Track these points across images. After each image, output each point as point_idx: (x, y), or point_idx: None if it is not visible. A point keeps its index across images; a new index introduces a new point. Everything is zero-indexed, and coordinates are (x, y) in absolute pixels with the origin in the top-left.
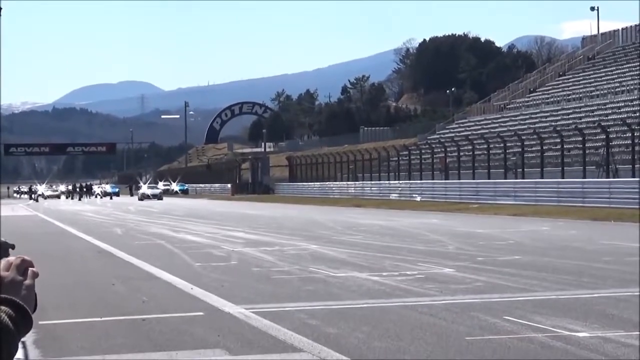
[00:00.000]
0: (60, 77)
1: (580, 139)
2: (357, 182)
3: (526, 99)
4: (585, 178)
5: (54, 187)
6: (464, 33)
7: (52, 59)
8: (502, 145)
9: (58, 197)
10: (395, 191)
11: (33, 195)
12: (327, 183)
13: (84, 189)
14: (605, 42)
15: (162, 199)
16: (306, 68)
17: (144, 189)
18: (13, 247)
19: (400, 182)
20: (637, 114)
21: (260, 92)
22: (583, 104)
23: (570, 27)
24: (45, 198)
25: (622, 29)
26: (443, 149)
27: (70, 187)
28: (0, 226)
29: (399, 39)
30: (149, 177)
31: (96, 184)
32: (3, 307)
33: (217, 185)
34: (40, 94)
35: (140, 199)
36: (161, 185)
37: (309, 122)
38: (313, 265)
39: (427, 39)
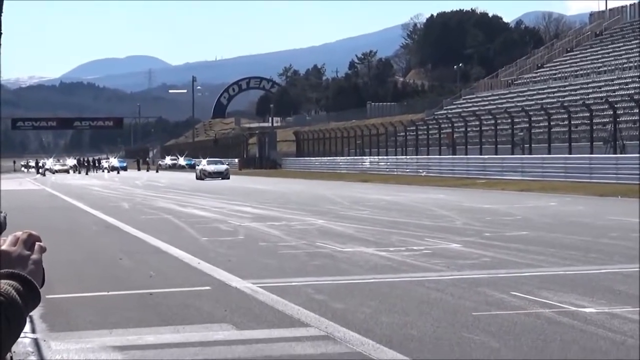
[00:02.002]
0: (68, 51)
1: (588, 114)
2: (364, 157)
3: (534, 75)
4: (592, 154)
5: (61, 161)
6: (471, 8)
7: (60, 33)
8: (509, 121)
9: (67, 171)
10: (401, 167)
11: (40, 170)
12: (334, 158)
13: (91, 163)
14: (613, 18)
15: (228, 178)
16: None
17: (204, 164)
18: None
19: (408, 157)
20: None
21: (268, 67)
22: (590, 80)
23: (578, 3)
24: (54, 173)
25: (630, 5)
26: (450, 125)
27: (76, 162)
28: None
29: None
30: (156, 151)
31: (104, 159)
32: (11, 282)
33: (224, 160)
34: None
35: (200, 178)
36: (168, 159)
37: (317, 97)
38: (320, 240)
39: (435, 14)
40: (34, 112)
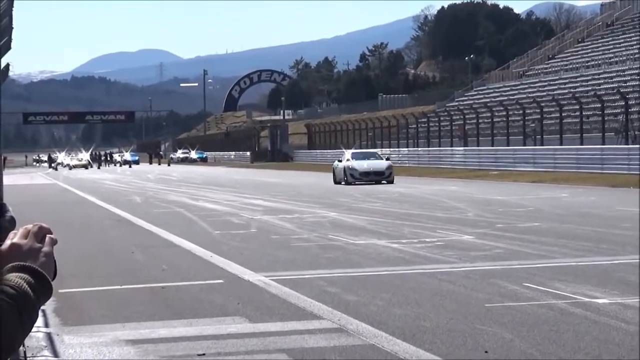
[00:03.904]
0: (79, 45)
1: (599, 105)
2: (375, 150)
3: (545, 66)
4: (604, 145)
5: (79, 155)
6: (482, 0)
7: (71, 27)
8: (521, 112)
9: (85, 167)
10: (413, 159)
11: (52, 164)
12: (346, 150)
13: (102, 157)
14: (624, 9)
15: (392, 180)
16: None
17: (349, 158)
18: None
19: (419, 149)
20: None
21: (279, 60)
22: (602, 71)
23: None
24: (70, 168)
25: None
26: (462, 116)
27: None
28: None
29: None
30: (167, 145)
31: (117, 153)
32: (22, 275)
33: (236, 153)
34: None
35: (345, 181)
36: (180, 152)
37: (328, 90)
38: (332, 233)
39: (446, 6)
40: (46, 107)
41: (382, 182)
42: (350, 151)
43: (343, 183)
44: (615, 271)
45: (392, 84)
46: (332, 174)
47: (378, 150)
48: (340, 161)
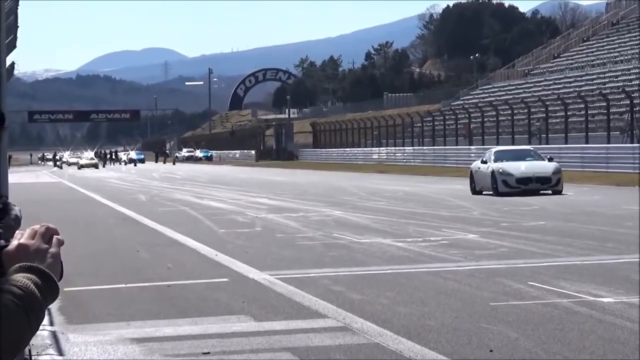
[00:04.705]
0: (84, 44)
1: (605, 104)
2: (381, 148)
3: (550, 65)
4: (609, 143)
5: (87, 154)
6: None
7: (76, 26)
8: (526, 111)
9: (95, 166)
10: (418, 157)
11: (57, 162)
12: (350, 149)
13: (107, 156)
14: (629, 8)
15: (560, 189)
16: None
17: (491, 158)
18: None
19: (425, 148)
20: None
21: (284, 59)
22: (607, 70)
23: None
24: (80, 167)
25: None
26: (467, 115)
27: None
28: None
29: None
30: (172, 143)
31: (123, 151)
32: (29, 275)
33: (241, 151)
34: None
35: (498, 192)
36: (185, 151)
37: (333, 89)
38: (337, 231)
39: (451, 4)
40: (51, 105)
41: (547, 191)
42: (495, 148)
43: (487, 192)
44: (620, 270)
45: (398, 83)
46: (468, 180)
47: (526, 147)
48: (484, 162)
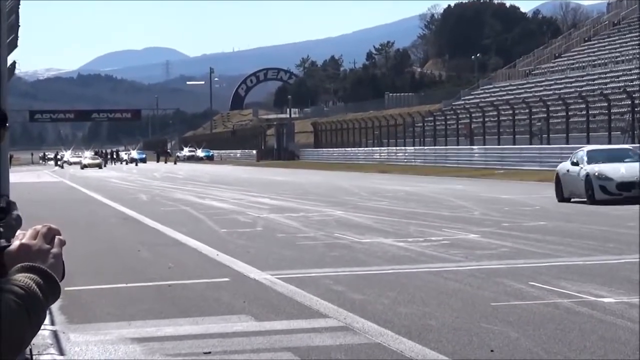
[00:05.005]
0: (85, 43)
1: (606, 104)
2: (382, 148)
3: (551, 65)
4: (610, 144)
5: (89, 153)
6: None
7: (77, 25)
8: (527, 111)
9: (99, 166)
10: (419, 157)
11: (59, 162)
12: (352, 149)
13: (109, 155)
14: (630, 8)
15: None
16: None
17: (583, 158)
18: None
19: (426, 147)
20: None
21: (285, 58)
22: (608, 70)
23: None
24: (83, 167)
25: None
26: (468, 115)
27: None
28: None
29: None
30: (174, 143)
31: (124, 151)
32: (31, 275)
33: (242, 151)
34: (65, 61)
35: (593, 199)
36: (186, 150)
37: (334, 88)
38: (338, 231)
39: (452, 4)
40: (52, 105)
41: None
42: (587, 147)
43: (578, 199)
44: (620, 270)
45: (399, 83)
46: (554, 184)
47: (624, 146)
48: (575, 164)
